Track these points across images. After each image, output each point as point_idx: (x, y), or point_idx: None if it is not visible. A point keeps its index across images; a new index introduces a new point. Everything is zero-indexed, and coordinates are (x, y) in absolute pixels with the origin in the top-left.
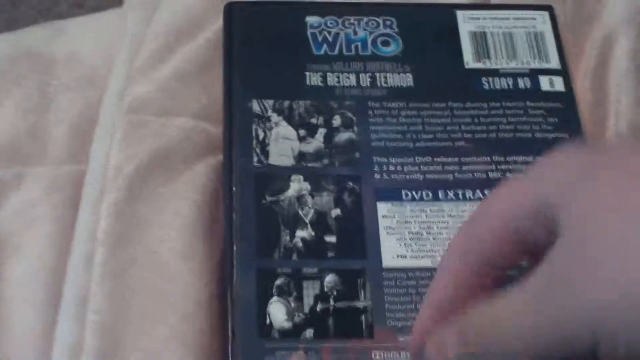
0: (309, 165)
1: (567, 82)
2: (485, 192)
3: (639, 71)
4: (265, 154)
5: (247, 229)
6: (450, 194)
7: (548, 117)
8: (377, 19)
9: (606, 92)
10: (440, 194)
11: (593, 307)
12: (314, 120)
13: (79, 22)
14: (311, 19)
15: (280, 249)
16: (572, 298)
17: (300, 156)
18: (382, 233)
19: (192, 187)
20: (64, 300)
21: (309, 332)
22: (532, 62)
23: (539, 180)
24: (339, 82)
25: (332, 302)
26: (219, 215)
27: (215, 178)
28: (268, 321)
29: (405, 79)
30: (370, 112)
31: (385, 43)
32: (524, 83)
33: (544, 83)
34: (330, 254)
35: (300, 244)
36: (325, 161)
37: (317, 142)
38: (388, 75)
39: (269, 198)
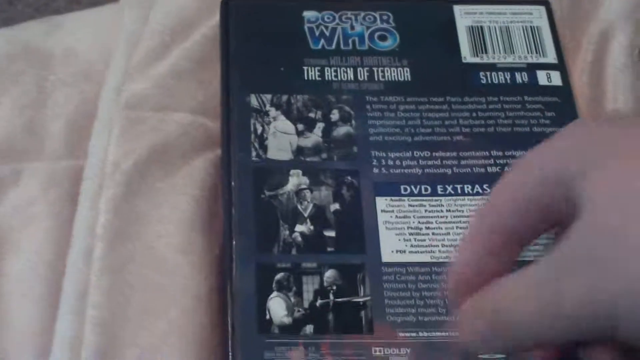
0: (308, 159)
1: (565, 76)
2: (484, 186)
3: (635, 66)
4: (264, 148)
5: (246, 224)
6: (449, 188)
7: (546, 111)
8: (373, 13)
9: (603, 87)
10: (439, 189)
11: (615, 283)
12: (312, 115)
13: (75, 18)
14: (308, 14)
15: (279, 244)
16: (593, 275)
17: (299, 150)
18: (381, 228)
19: (191, 182)
20: (63, 295)
21: (309, 328)
22: (529, 56)
23: (558, 151)
24: (336, 76)
25: (331, 297)
26: (218, 210)
27: (214, 173)
28: (268, 316)
29: (402, 74)
30: (368, 107)
31: (383, 38)
32: (521, 77)
33: (542, 77)
34: (329, 249)
35: (299, 239)
36: (324, 155)
37: (315, 136)
38: (385, 69)
39: (267, 193)
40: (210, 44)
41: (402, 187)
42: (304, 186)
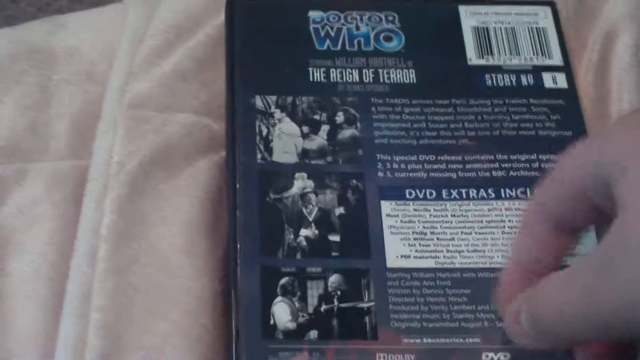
0: (313, 162)
1: (570, 78)
2: (489, 190)
3: None
4: (269, 150)
5: (251, 227)
6: (454, 193)
7: (551, 114)
8: (379, 14)
9: (608, 87)
10: (444, 193)
11: (634, 294)
12: (317, 117)
13: (79, 17)
14: (313, 14)
15: (284, 248)
16: (629, 274)
17: (304, 153)
18: (386, 232)
19: (194, 184)
20: (67, 296)
21: (313, 333)
22: (535, 58)
23: (601, 147)
24: (341, 78)
25: (336, 302)
26: (222, 212)
27: (218, 175)
28: (272, 321)
29: (408, 75)
30: (373, 109)
31: (388, 38)
32: (527, 80)
33: (547, 80)
34: (334, 253)
35: (304, 243)
36: (329, 158)
37: (320, 139)
38: (391, 71)
39: (272, 196)
40: (214, 43)
41: (407, 191)
42: (308, 189)
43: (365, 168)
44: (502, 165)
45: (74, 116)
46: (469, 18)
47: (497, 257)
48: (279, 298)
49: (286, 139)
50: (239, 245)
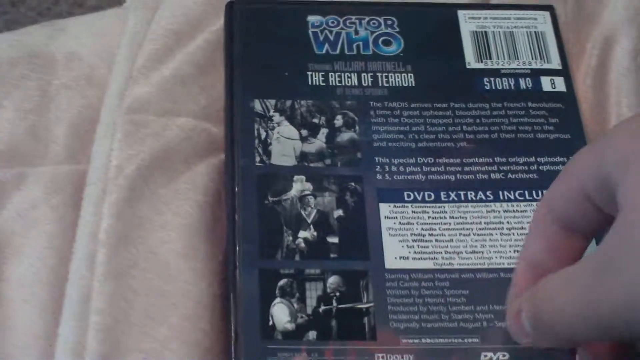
0: (311, 165)
1: (569, 82)
2: (487, 193)
3: (639, 70)
4: (268, 153)
5: (250, 230)
6: (452, 195)
7: (550, 117)
8: (378, 18)
9: (607, 92)
10: (442, 196)
11: (634, 294)
12: (315, 120)
13: (79, 22)
14: (312, 18)
15: (282, 250)
16: (628, 275)
17: (303, 156)
18: (385, 234)
19: (193, 188)
20: (66, 300)
21: (312, 334)
22: (534, 62)
23: (602, 150)
24: (340, 81)
25: (335, 303)
26: (221, 216)
27: (217, 178)
28: (271, 322)
29: (406, 79)
30: (372, 112)
31: (387, 43)
32: (525, 83)
33: (546, 83)
34: (332, 255)
35: (302, 245)
36: (328, 161)
37: (319, 142)
38: (389, 75)
39: (271, 198)
40: (213, 48)
41: (405, 193)
42: (307, 192)
43: (363, 171)
44: (501, 168)
45: (73, 120)
46: (468, 22)
47: (496, 258)
48: (278, 299)
49: (285, 142)
50: (238, 248)
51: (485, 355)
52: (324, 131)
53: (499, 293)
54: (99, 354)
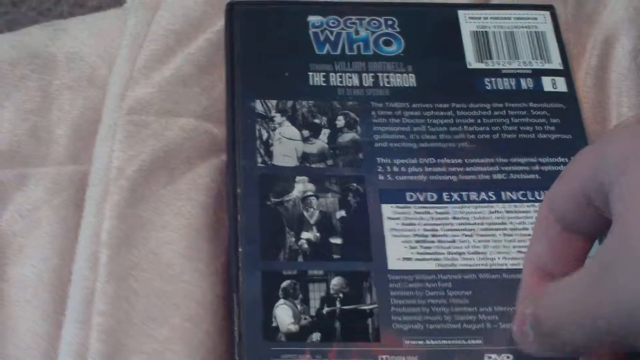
0: (313, 166)
1: (570, 82)
2: (489, 193)
3: None
4: (269, 154)
5: (252, 231)
6: (455, 195)
7: (551, 117)
8: (378, 18)
9: (608, 92)
10: (445, 196)
11: (634, 299)
12: (317, 121)
13: (79, 22)
14: (313, 19)
15: (285, 251)
16: (616, 289)
17: (304, 157)
18: (387, 235)
19: (195, 188)
20: (69, 302)
21: (316, 335)
22: (534, 62)
23: (600, 152)
24: (341, 82)
25: (338, 304)
26: (223, 216)
27: (219, 179)
28: (274, 324)
29: (407, 79)
30: (373, 113)
31: (387, 43)
32: (526, 83)
33: (547, 84)
34: (335, 256)
35: (305, 246)
36: (329, 162)
37: (320, 142)
38: (390, 75)
39: (273, 199)
40: (214, 48)
41: (407, 194)
42: (309, 193)
43: (365, 171)
44: (502, 169)
45: (74, 121)
46: (468, 22)
47: (499, 259)
48: (281, 301)
49: (286, 143)
50: (240, 249)
51: (489, 357)
52: (325, 132)
53: (502, 294)
54: (102, 356)
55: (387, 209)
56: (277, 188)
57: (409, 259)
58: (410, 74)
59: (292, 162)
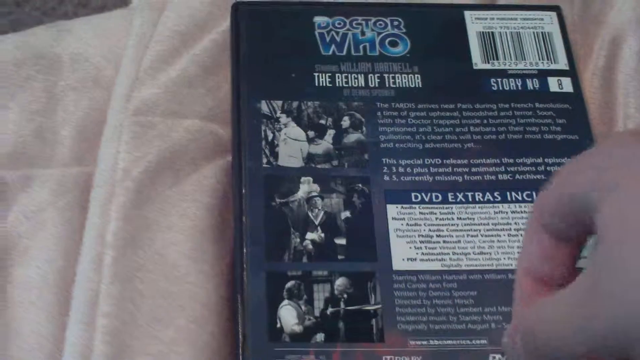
0: (319, 166)
1: (576, 83)
2: (495, 193)
3: None
4: (275, 155)
5: (257, 232)
6: (460, 196)
7: (557, 118)
8: (384, 19)
9: (615, 93)
10: (450, 197)
11: (624, 317)
12: (322, 122)
13: (84, 22)
14: (319, 19)
15: (290, 252)
16: (606, 307)
17: (310, 157)
18: (392, 235)
19: (200, 189)
20: (73, 303)
21: (320, 336)
22: (540, 62)
23: (587, 169)
24: (347, 82)
25: (342, 305)
26: (229, 217)
27: (224, 180)
28: (279, 325)
29: (413, 80)
30: (378, 113)
31: (393, 43)
32: (532, 84)
33: (553, 84)
34: (340, 257)
35: (310, 247)
36: (335, 162)
37: (326, 143)
38: (396, 76)
39: (278, 200)
40: (220, 49)
41: (412, 194)
42: (314, 193)
43: (371, 172)
44: (508, 169)
45: (79, 122)
46: (475, 23)
47: (504, 259)
48: (286, 301)
49: (292, 144)
50: (245, 250)
51: (494, 357)
52: (331, 132)
53: (507, 294)
54: (106, 357)
55: (392, 210)
56: (283, 189)
57: (413, 259)
58: (416, 75)
59: (297, 162)
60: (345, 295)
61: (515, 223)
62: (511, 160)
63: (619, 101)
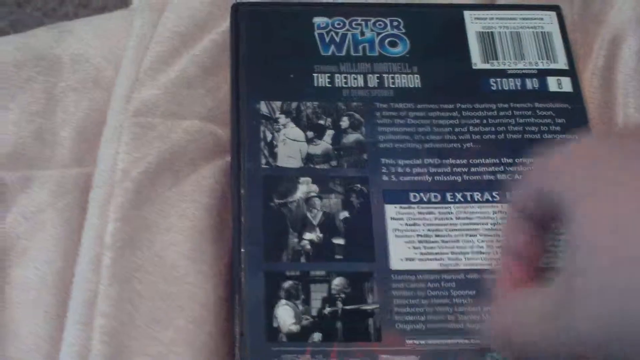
0: (317, 167)
1: (575, 82)
2: (494, 193)
3: None
4: (273, 155)
5: (255, 232)
6: (459, 196)
7: (556, 118)
8: (384, 19)
9: (614, 93)
10: (449, 196)
11: (602, 318)
12: (321, 122)
13: (85, 23)
14: (318, 20)
15: (288, 252)
16: (584, 308)
17: (308, 158)
18: (390, 235)
19: (200, 190)
20: (71, 304)
21: (317, 336)
22: (540, 62)
23: (556, 171)
24: (346, 83)
25: (340, 305)
26: (228, 217)
27: (223, 180)
28: (276, 324)
29: (412, 80)
30: (377, 114)
31: (393, 44)
32: (531, 84)
33: (552, 84)
34: (338, 257)
35: (308, 247)
36: (333, 163)
37: (325, 143)
38: (395, 76)
39: (277, 200)
40: (219, 50)
41: (411, 194)
42: (313, 194)
43: (369, 172)
44: (507, 169)
45: (79, 123)
46: (474, 23)
47: None
48: (283, 301)
49: (291, 144)
50: (243, 250)
51: (491, 356)
52: (329, 133)
53: None
54: (104, 357)
55: (391, 210)
56: (281, 189)
57: (411, 259)
58: (415, 75)
59: (296, 163)
60: (342, 295)
61: None
62: (510, 160)
63: (619, 101)
